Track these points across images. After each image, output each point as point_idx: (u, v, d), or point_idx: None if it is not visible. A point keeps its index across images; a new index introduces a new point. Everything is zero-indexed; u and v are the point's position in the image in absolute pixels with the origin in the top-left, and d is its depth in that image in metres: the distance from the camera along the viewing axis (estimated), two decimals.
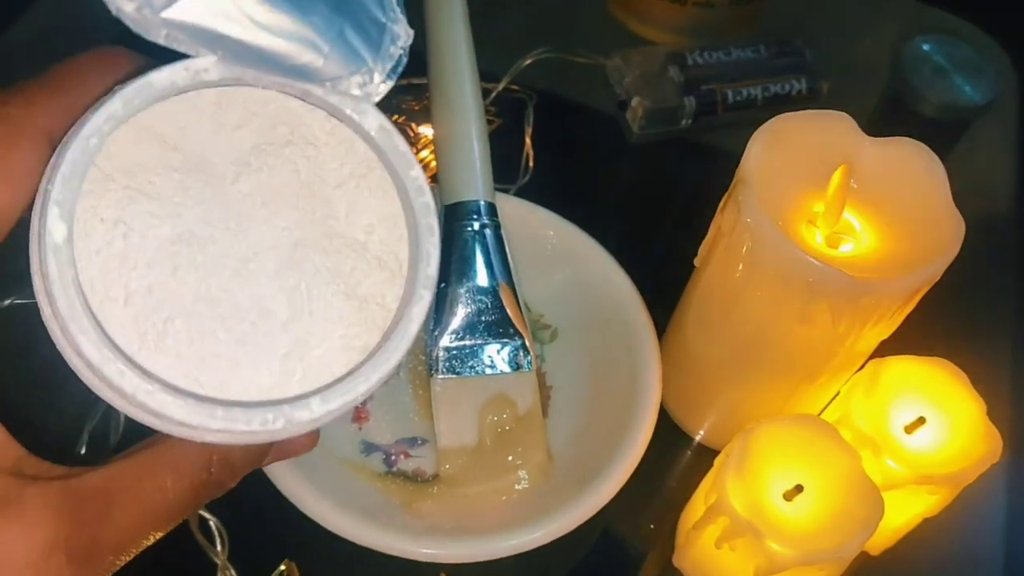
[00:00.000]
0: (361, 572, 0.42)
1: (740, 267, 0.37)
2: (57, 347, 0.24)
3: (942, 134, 0.61)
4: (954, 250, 0.35)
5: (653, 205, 0.57)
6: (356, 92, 0.25)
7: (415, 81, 0.56)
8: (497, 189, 0.46)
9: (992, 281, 0.54)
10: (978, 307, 0.52)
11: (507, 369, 0.43)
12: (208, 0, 0.23)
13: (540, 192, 0.50)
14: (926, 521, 0.42)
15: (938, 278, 0.36)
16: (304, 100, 0.26)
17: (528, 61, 0.58)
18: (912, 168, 0.38)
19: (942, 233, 0.36)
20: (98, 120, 0.22)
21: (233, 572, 0.40)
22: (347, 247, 0.27)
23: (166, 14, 0.22)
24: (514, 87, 0.58)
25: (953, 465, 0.38)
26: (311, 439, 0.31)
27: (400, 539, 0.39)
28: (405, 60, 0.26)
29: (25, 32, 0.59)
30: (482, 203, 0.44)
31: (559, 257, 0.48)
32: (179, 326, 0.24)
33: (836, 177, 0.37)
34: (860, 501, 0.37)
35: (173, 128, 0.26)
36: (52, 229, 0.22)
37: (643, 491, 0.44)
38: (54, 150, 0.25)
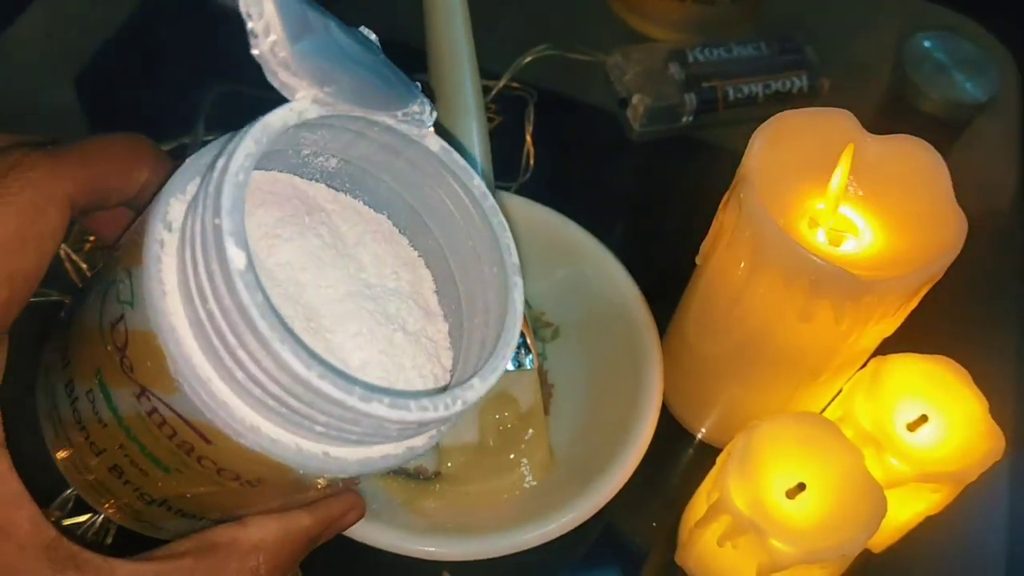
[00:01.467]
0: (363, 570, 0.42)
1: (742, 265, 0.37)
2: (193, 401, 0.24)
3: (943, 131, 0.61)
4: (956, 248, 0.35)
5: (654, 203, 0.57)
6: (417, 119, 0.28)
7: (415, 79, 0.56)
8: (498, 187, 0.46)
9: (994, 278, 0.54)
10: (980, 305, 0.52)
11: (509, 367, 0.43)
12: (321, 42, 0.25)
13: (541, 190, 0.50)
14: (928, 519, 0.42)
15: (940, 276, 0.35)
16: (358, 137, 0.28)
17: (528, 58, 0.58)
18: (914, 165, 0.38)
19: (944, 231, 0.36)
20: (239, 159, 0.24)
21: None
22: (385, 293, 0.29)
23: (296, 48, 0.24)
24: (515, 85, 0.57)
25: (955, 463, 0.38)
26: (359, 511, 0.32)
27: (402, 537, 0.39)
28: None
29: (25, 30, 0.59)
30: None
31: (561, 255, 0.48)
32: None
33: (844, 158, 0.37)
34: (863, 499, 0.37)
35: None
36: (233, 256, 0.22)
37: (645, 489, 0.44)
38: (75, 217, 0.27)
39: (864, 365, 0.41)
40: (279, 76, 0.24)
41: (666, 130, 0.57)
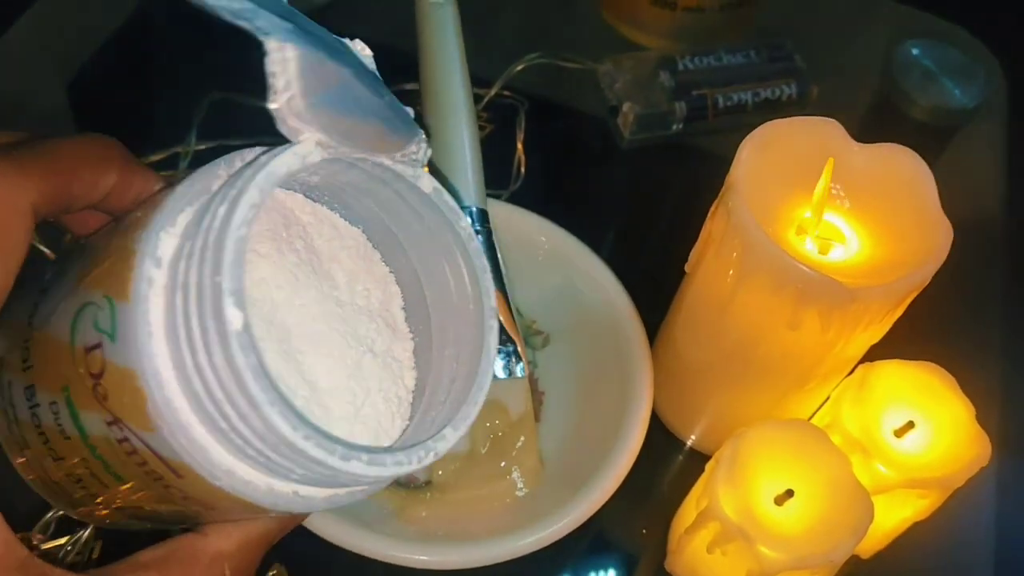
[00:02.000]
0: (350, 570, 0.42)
1: (730, 273, 0.38)
2: (171, 443, 0.24)
3: (931, 138, 0.62)
4: (942, 256, 0.35)
5: (644, 210, 0.57)
6: (413, 159, 0.28)
7: (406, 87, 0.56)
8: (489, 195, 0.46)
9: (980, 285, 0.55)
10: (966, 311, 0.53)
11: (499, 375, 0.43)
12: (333, 91, 0.25)
13: (532, 198, 0.50)
14: (916, 524, 0.42)
15: (926, 283, 0.36)
16: (349, 167, 0.28)
17: (520, 67, 0.58)
18: (900, 174, 0.38)
19: (930, 238, 0.36)
20: (242, 211, 0.23)
21: None
22: (355, 313, 0.29)
23: (310, 102, 0.24)
24: (506, 93, 0.58)
25: (942, 469, 0.39)
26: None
27: (392, 545, 0.39)
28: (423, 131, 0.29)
29: (19, 36, 0.59)
30: (474, 209, 0.45)
31: (551, 263, 0.48)
32: None
33: (826, 169, 0.37)
34: (850, 505, 0.37)
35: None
36: (230, 318, 0.22)
37: (635, 496, 0.44)
38: (37, 224, 0.26)
39: (851, 372, 0.41)
40: (288, 123, 0.24)
41: (656, 137, 0.57)
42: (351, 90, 0.26)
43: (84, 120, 0.58)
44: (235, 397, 0.23)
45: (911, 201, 0.37)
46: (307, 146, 0.25)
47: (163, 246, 0.24)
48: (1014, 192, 0.60)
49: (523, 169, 0.55)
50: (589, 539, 0.44)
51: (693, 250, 0.41)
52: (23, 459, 0.29)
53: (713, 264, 0.39)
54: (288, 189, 0.30)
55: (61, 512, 0.41)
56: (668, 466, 0.47)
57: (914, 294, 0.36)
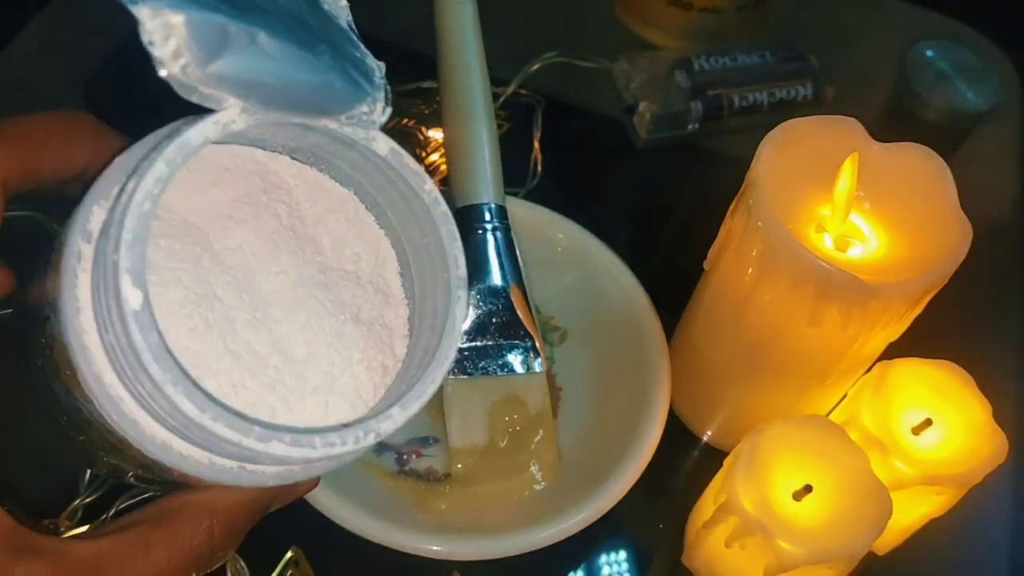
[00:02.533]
0: (372, 568, 0.43)
1: (750, 270, 0.38)
2: (107, 415, 0.24)
3: (945, 139, 0.62)
4: (962, 253, 0.36)
5: (660, 209, 0.58)
6: (364, 120, 0.27)
7: (425, 85, 0.56)
8: (506, 192, 0.46)
9: (996, 285, 0.55)
10: (982, 310, 0.53)
11: (518, 370, 0.44)
12: (242, 53, 0.24)
13: (549, 195, 0.51)
14: (932, 521, 0.42)
15: (946, 281, 0.36)
16: (306, 131, 0.27)
17: (536, 66, 0.59)
18: (919, 172, 0.38)
19: (949, 237, 0.36)
20: (147, 184, 0.23)
21: (242, 563, 0.40)
22: (341, 278, 0.28)
23: (209, 70, 0.23)
24: (523, 91, 0.58)
25: (959, 466, 0.39)
26: (312, 481, 0.30)
27: (411, 536, 0.39)
28: (390, 89, 0.27)
29: (34, 36, 0.60)
30: (492, 206, 0.45)
31: (568, 260, 0.48)
32: (210, 385, 0.25)
33: (846, 166, 0.37)
34: (868, 501, 0.37)
35: None
36: (128, 296, 0.22)
37: (652, 491, 0.45)
38: (7, 199, 0.25)
39: (869, 369, 0.42)
40: (199, 91, 0.23)
41: (672, 137, 0.58)
42: (268, 52, 0.24)
43: (101, 119, 0.58)
44: (141, 378, 0.22)
45: (930, 200, 0.38)
46: (230, 113, 0.24)
47: (94, 219, 0.24)
48: None
49: (540, 167, 0.56)
50: (606, 533, 0.45)
51: (712, 247, 0.41)
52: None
53: (732, 261, 0.39)
54: (272, 151, 0.28)
55: (88, 500, 0.42)
56: (685, 461, 0.48)
57: (933, 292, 0.36)
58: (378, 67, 0.27)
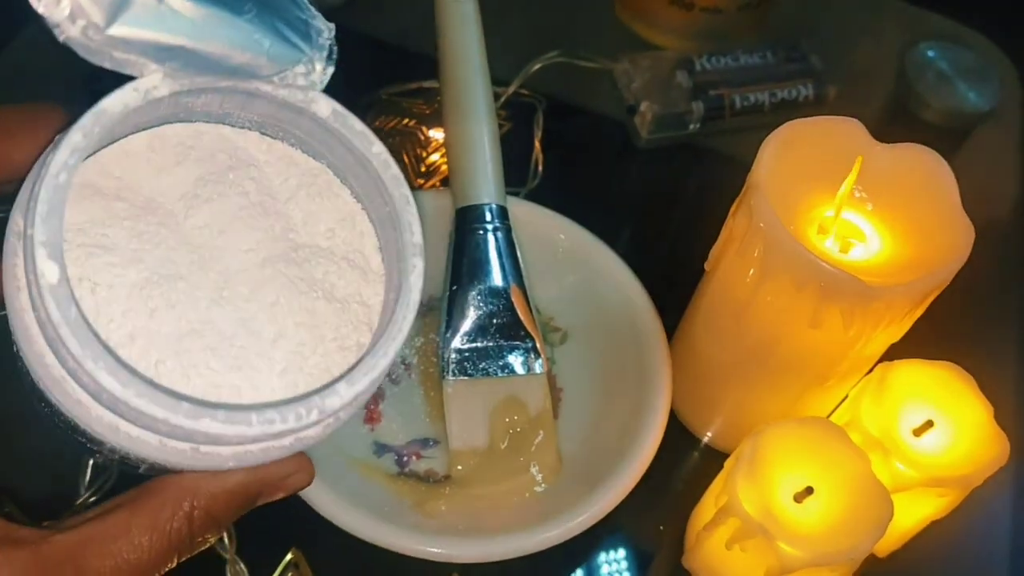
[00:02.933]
0: (371, 570, 0.43)
1: (751, 272, 0.38)
2: (54, 399, 0.23)
3: (945, 140, 0.62)
4: (964, 255, 0.35)
5: (662, 209, 0.57)
6: (302, 82, 0.26)
7: (426, 85, 0.56)
8: (507, 192, 0.46)
9: (996, 286, 0.55)
10: (983, 311, 0.53)
11: (519, 371, 0.44)
12: (148, 13, 0.23)
13: (550, 196, 0.50)
14: (933, 523, 0.42)
15: (948, 282, 0.36)
16: (252, 99, 0.26)
17: (537, 66, 0.59)
18: (922, 173, 0.38)
19: (952, 238, 0.36)
20: (62, 155, 0.22)
21: (242, 566, 0.40)
22: (313, 255, 0.28)
23: (111, 32, 0.22)
24: (524, 92, 0.58)
25: (961, 468, 0.39)
26: (305, 475, 0.30)
27: (411, 538, 0.39)
28: (336, 48, 0.27)
29: (37, 37, 0.60)
30: (493, 206, 0.45)
31: (569, 260, 0.48)
32: (171, 366, 0.24)
33: (855, 168, 0.37)
34: (870, 503, 0.37)
35: (111, 179, 0.26)
36: (44, 270, 0.21)
37: (652, 493, 0.44)
38: None
39: (871, 371, 0.42)
40: (111, 56, 0.22)
41: (673, 137, 0.58)
42: (184, 10, 0.23)
43: None
44: (63, 353, 0.22)
45: (932, 201, 0.38)
46: (151, 79, 0.23)
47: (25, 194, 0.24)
48: None
49: (541, 167, 0.55)
50: (606, 535, 0.45)
51: (713, 248, 0.41)
52: None
53: (734, 262, 0.39)
54: (241, 127, 0.28)
55: (91, 499, 0.42)
56: (684, 463, 0.48)
57: (935, 293, 0.36)
58: (326, 28, 0.27)
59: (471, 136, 0.46)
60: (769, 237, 0.36)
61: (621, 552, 0.45)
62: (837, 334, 0.37)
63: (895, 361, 0.41)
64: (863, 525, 0.37)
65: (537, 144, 0.56)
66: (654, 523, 0.46)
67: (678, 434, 0.47)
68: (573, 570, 0.44)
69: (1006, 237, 0.58)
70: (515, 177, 0.54)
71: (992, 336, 0.52)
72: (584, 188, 0.56)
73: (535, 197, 0.50)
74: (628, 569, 0.45)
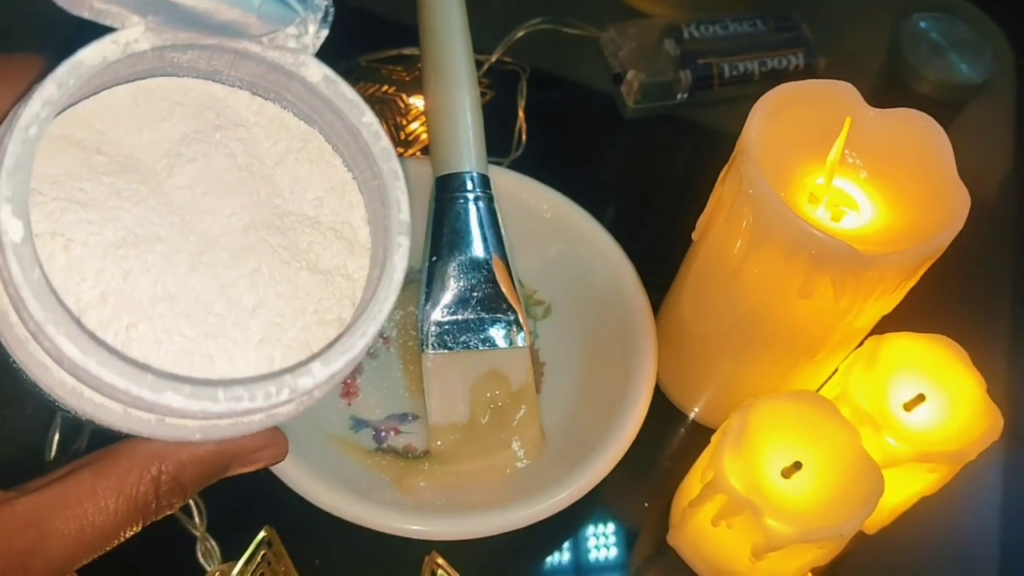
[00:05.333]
0: (348, 547, 0.41)
1: (740, 241, 0.37)
2: (17, 358, 0.23)
3: (938, 113, 0.60)
4: (959, 223, 0.34)
5: (648, 180, 0.56)
6: (293, 44, 0.25)
7: (405, 52, 0.55)
8: (490, 162, 0.45)
9: (989, 260, 0.54)
10: (976, 284, 0.52)
11: (500, 344, 0.43)
12: None
13: (533, 166, 0.49)
14: (923, 500, 0.41)
15: (942, 251, 0.35)
16: (240, 58, 0.25)
17: (521, 33, 0.57)
18: (916, 139, 0.37)
19: (947, 206, 0.35)
20: (34, 107, 0.21)
21: (213, 543, 0.39)
22: (299, 223, 0.27)
23: None
24: (507, 59, 0.57)
25: (954, 443, 0.38)
26: (278, 449, 0.29)
27: (388, 515, 0.38)
28: (332, 10, 0.25)
29: None
30: (474, 175, 0.44)
31: (553, 231, 0.47)
32: (143, 330, 0.23)
33: (843, 132, 0.36)
34: (860, 478, 0.36)
35: (91, 132, 0.25)
36: (8, 228, 0.20)
37: (636, 469, 0.44)
38: None
39: (861, 344, 0.41)
40: (91, 5, 0.21)
41: (661, 107, 0.56)
42: None
43: None
44: (25, 316, 0.21)
45: (927, 168, 0.37)
46: (132, 32, 0.23)
47: None
48: (1022, 167, 0.59)
49: (524, 137, 0.54)
50: (590, 512, 0.44)
51: (701, 218, 0.40)
52: None
53: (722, 232, 0.38)
54: (232, 86, 0.27)
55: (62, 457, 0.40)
56: (670, 439, 0.47)
57: (929, 263, 0.35)
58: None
59: (452, 103, 0.45)
60: (758, 204, 0.35)
61: (605, 529, 0.44)
62: (828, 304, 0.36)
63: (886, 334, 0.40)
64: (853, 501, 0.36)
65: (521, 113, 0.55)
66: (639, 500, 0.45)
67: (664, 409, 0.46)
68: (556, 547, 0.44)
69: (999, 210, 0.57)
70: (498, 147, 0.53)
71: (985, 309, 0.51)
72: (569, 158, 0.55)
73: (519, 167, 0.49)
74: (612, 546, 0.44)
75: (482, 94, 0.56)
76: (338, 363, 0.24)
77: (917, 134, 0.37)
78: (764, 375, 0.41)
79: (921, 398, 0.39)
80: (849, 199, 0.38)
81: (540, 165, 0.50)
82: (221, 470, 0.28)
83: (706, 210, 0.40)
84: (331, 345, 0.24)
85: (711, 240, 0.39)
